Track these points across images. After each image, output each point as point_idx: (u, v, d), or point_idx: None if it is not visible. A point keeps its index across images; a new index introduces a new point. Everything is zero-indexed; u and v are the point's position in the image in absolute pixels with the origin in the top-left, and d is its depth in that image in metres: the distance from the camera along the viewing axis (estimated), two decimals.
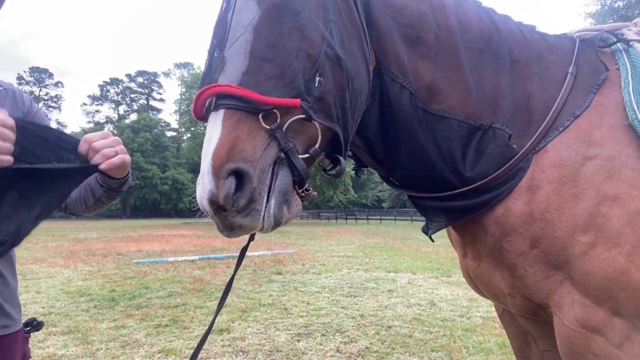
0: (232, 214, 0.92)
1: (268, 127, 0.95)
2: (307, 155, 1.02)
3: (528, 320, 1.44)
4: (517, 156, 1.20)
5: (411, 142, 1.21)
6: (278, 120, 0.96)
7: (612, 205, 1.12)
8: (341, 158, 1.09)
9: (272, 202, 0.96)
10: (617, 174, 1.13)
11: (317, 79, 1.00)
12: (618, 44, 1.32)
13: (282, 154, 0.98)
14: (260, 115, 0.94)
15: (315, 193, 1.09)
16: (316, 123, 1.00)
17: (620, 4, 25.37)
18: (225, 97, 0.95)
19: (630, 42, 1.31)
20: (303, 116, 0.98)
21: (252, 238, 1.19)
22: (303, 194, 1.04)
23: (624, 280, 1.10)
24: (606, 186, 1.13)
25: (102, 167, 1.10)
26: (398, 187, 1.36)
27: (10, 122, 0.97)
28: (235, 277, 1.26)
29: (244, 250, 1.23)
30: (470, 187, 1.22)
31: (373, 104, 1.20)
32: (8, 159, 0.96)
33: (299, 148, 1.01)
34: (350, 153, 1.32)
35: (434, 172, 1.24)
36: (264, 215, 0.95)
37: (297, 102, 0.96)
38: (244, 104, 0.94)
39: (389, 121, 1.21)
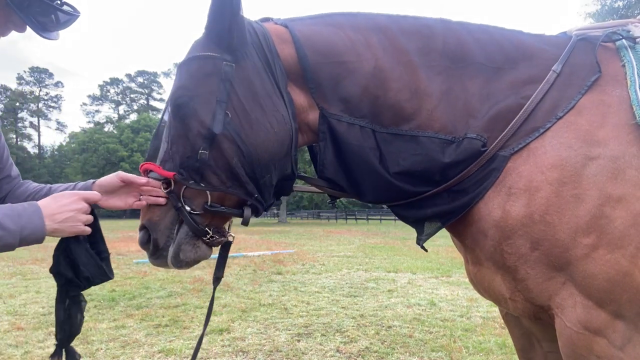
0: (150, 256, 1.31)
1: (165, 192, 1.26)
2: (200, 212, 1.25)
3: (532, 322, 1.43)
4: (482, 156, 1.23)
5: (370, 171, 1.29)
6: (172, 187, 1.25)
7: (616, 207, 1.09)
8: (245, 209, 1.29)
9: (171, 250, 1.27)
10: (621, 174, 1.11)
11: (200, 152, 1.20)
12: (623, 40, 1.28)
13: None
14: (161, 184, 1.26)
15: (226, 239, 1.33)
16: (196, 186, 1.23)
17: (620, 4, 25.36)
18: (149, 171, 1.30)
19: (637, 39, 1.27)
20: (183, 183, 1.23)
21: (215, 283, 1.44)
22: (208, 241, 1.28)
23: (626, 282, 1.09)
24: (610, 187, 1.10)
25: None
26: (379, 203, 1.42)
27: (96, 197, 1.24)
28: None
29: (211, 300, 1.51)
30: (442, 187, 1.27)
31: (326, 147, 1.32)
32: (87, 229, 1.25)
33: (196, 207, 1.25)
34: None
35: (401, 192, 1.31)
36: (168, 258, 1.27)
37: (171, 174, 1.22)
38: (152, 175, 1.29)
39: (347, 158, 1.31)
